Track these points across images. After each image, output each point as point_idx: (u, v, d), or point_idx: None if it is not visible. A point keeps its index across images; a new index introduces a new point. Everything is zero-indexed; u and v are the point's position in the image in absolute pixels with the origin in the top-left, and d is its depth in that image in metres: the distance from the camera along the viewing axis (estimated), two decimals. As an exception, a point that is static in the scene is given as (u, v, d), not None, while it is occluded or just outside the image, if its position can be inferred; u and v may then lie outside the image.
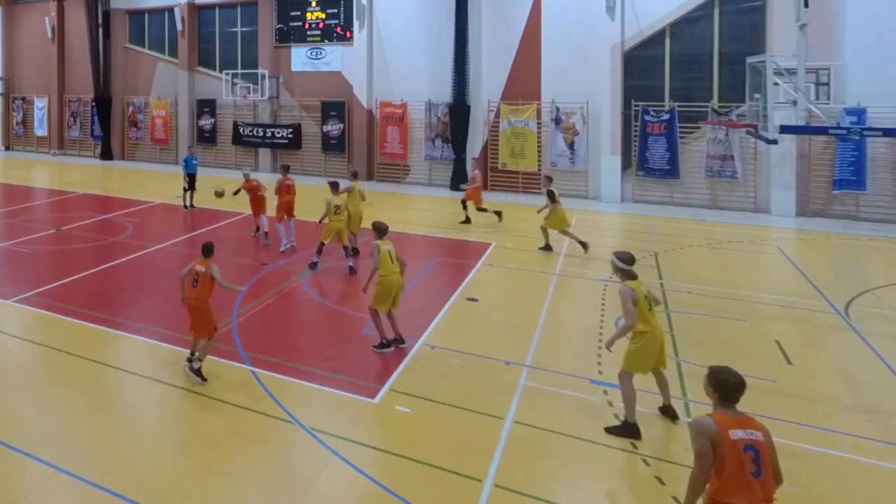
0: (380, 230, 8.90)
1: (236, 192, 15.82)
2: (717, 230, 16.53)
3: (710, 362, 8.45)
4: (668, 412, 6.99)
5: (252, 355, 8.57)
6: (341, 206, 12.53)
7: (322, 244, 12.46)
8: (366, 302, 9.08)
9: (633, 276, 6.96)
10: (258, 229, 15.28)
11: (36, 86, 34.48)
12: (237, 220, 17.51)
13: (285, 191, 14.24)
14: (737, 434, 4.17)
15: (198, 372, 7.76)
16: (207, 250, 8.07)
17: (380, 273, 8.59)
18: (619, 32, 20.45)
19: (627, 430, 6.63)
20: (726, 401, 4.36)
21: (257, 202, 15.18)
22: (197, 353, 7.90)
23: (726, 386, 4.35)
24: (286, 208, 14.14)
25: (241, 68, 27.81)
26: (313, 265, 12.56)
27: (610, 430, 6.69)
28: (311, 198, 21.22)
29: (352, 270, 12.39)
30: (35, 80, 34.54)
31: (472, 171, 17.71)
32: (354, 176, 14.10)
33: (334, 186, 13.01)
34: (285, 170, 15.00)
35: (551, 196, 14.17)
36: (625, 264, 6.99)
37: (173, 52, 30.09)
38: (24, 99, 34.98)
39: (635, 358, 6.79)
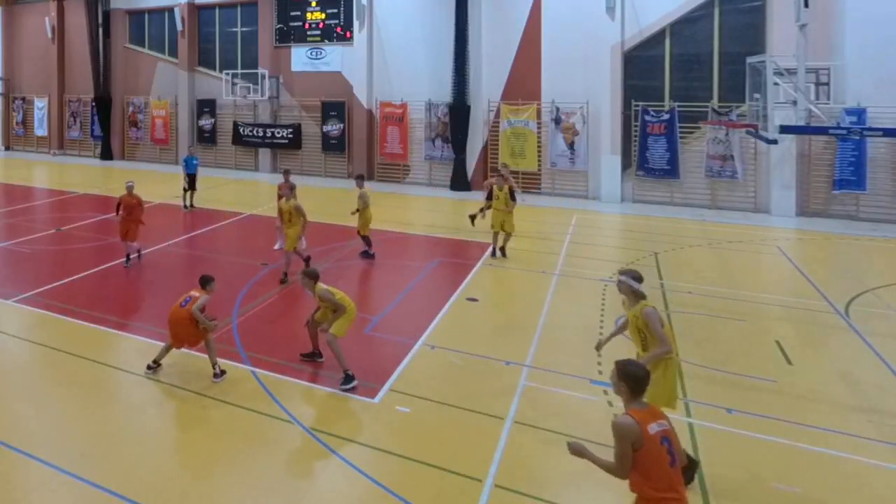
0: (314, 277, 8.06)
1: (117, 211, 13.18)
2: (717, 230, 16.53)
3: (710, 362, 8.48)
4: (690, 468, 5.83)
5: (252, 355, 8.57)
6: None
7: (366, 237, 13.34)
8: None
9: (644, 297, 6.28)
10: (129, 257, 13.00)
11: (36, 86, 34.48)
12: (237, 220, 17.52)
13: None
14: (653, 428, 4.17)
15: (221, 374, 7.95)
16: (205, 281, 8.23)
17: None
18: (619, 32, 20.46)
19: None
20: (636, 393, 4.33)
21: (131, 222, 12.87)
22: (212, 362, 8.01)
23: (637, 378, 4.32)
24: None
25: (241, 68, 27.82)
26: (369, 255, 13.35)
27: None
28: (312, 198, 21.25)
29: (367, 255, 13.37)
30: (35, 80, 34.54)
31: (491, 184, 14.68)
32: (361, 179, 13.82)
33: (361, 179, 13.73)
34: (286, 175, 14.42)
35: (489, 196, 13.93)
36: (639, 284, 6.25)
37: (173, 52, 30.09)
38: (24, 99, 34.98)
39: (666, 389, 5.95)
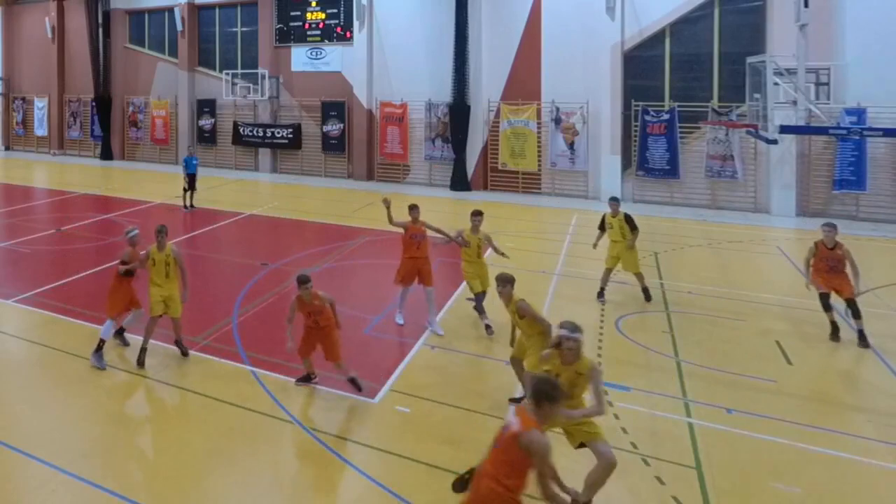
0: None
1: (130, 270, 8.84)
2: (717, 230, 16.53)
3: (710, 362, 8.47)
4: None
5: (252, 355, 8.57)
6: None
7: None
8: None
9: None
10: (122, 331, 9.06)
11: (36, 86, 34.48)
12: (237, 220, 17.51)
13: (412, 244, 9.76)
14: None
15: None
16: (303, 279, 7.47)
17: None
18: (619, 32, 20.45)
19: None
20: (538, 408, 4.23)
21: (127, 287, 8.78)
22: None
23: (550, 399, 4.19)
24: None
25: (241, 68, 27.82)
26: None
27: None
28: (312, 198, 21.26)
29: None
30: (35, 80, 34.54)
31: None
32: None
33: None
34: (413, 211, 10.00)
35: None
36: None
37: (173, 52, 30.09)
38: (24, 99, 34.98)
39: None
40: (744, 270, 13.04)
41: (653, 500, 5.69)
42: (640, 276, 10.81)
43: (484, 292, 9.42)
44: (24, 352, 8.94)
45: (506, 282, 7.19)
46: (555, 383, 4.39)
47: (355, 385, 7.35)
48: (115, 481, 5.86)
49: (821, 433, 6.72)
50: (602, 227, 11.04)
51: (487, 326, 9.30)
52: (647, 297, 10.76)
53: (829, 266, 9.16)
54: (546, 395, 4.19)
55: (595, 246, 11.30)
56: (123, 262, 8.65)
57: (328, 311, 7.47)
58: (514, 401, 7.03)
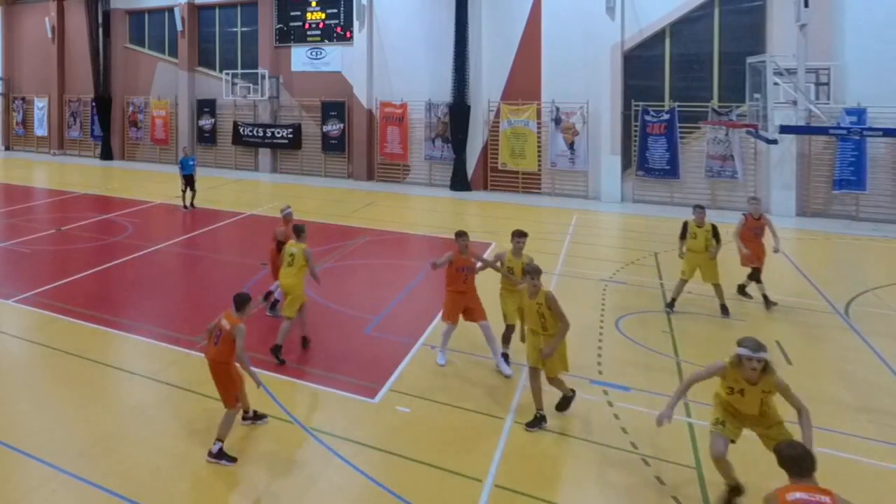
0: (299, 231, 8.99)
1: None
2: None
3: (710, 362, 8.46)
4: None
5: (252, 355, 8.53)
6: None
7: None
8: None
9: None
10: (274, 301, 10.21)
11: (36, 86, 34.47)
12: (237, 220, 17.51)
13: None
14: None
15: (220, 454, 6.19)
16: (240, 302, 6.51)
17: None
18: (619, 32, 20.45)
19: None
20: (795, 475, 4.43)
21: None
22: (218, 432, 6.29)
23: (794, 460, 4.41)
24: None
25: (241, 68, 27.81)
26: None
27: None
28: (312, 198, 21.26)
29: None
30: (35, 80, 34.53)
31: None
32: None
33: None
34: (461, 239, 8.53)
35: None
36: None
37: (173, 52, 30.08)
38: (24, 99, 34.97)
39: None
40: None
41: (653, 500, 5.69)
42: (718, 288, 10.20)
43: (513, 326, 8.30)
44: (24, 352, 8.94)
45: (537, 273, 7.02)
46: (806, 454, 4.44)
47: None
48: (115, 481, 5.86)
49: (821, 433, 6.71)
50: (683, 236, 10.42)
51: (505, 356, 8.32)
52: (725, 312, 10.13)
53: (753, 234, 10.71)
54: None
55: (681, 256, 10.46)
56: (276, 239, 9.80)
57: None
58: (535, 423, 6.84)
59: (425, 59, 23.74)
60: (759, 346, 5.34)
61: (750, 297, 10.82)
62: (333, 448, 6.42)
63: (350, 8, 25.27)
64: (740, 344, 5.43)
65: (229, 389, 6.37)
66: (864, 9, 17.22)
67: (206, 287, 11.95)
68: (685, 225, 10.47)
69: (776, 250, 10.67)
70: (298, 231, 9.15)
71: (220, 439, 6.20)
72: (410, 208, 19.80)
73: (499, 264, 8.44)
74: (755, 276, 10.65)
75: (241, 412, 6.68)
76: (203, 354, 7.07)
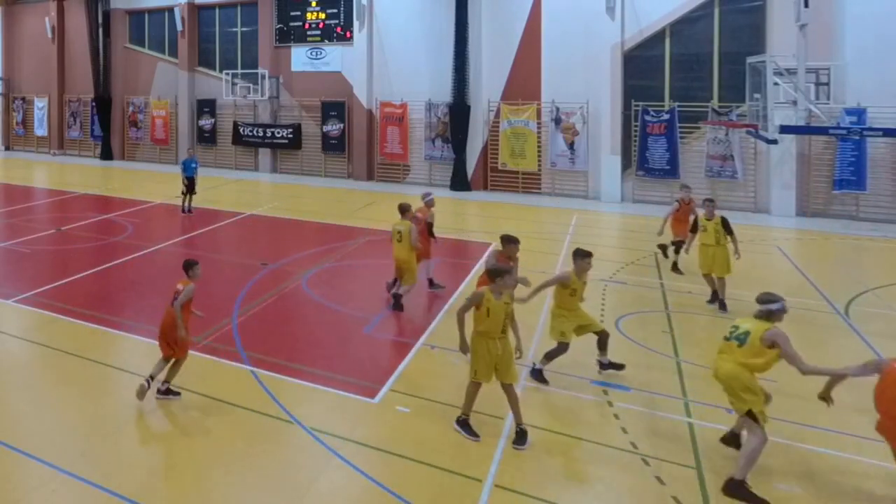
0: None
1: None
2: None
3: (710, 362, 8.44)
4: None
5: (252, 355, 8.57)
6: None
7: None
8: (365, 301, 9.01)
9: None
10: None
11: (36, 86, 34.47)
12: (237, 220, 17.51)
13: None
14: None
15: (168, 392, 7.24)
16: (186, 266, 7.52)
17: None
18: (619, 32, 20.45)
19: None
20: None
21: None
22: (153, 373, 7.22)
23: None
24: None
25: (241, 68, 27.81)
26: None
27: None
28: (312, 198, 21.26)
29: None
30: (35, 80, 34.53)
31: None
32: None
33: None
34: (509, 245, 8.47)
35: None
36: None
37: (173, 52, 30.09)
38: (24, 99, 34.98)
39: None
40: (743, 270, 13.02)
41: (653, 500, 5.69)
42: (722, 282, 10.32)
43: (567, 344, 7.80)
44: (24, 352, 8.94)
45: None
46: None
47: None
48: (115, 481, 5.86)
49: (821, 433, 6.72)
50: (694, 230, 10.66)
51: (541, 374, 7.85)
52: (713, 302, 10.35)
53: (685, 216, 12.26)
54: None
55: (687, 251, 11.77)
56: (429, 223, 10.65)
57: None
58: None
59: (425, 59, 23.74)
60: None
61: (681, 272, 12.22)
62: (333, 448, 6.42)
63: (350, 8, 25.28)
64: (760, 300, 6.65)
65: (176, 342, 7.21)
66: (864, 9, 17.22)
67: (206, 287, 11.92)
68: (695, 219, 10.98)
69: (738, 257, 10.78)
70: (404, 210, 10.19)
71: (167, 381, 7.26)
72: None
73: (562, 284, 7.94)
74: (678, 246, 12.40)
75: (161, 384, 7.29)
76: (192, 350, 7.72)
